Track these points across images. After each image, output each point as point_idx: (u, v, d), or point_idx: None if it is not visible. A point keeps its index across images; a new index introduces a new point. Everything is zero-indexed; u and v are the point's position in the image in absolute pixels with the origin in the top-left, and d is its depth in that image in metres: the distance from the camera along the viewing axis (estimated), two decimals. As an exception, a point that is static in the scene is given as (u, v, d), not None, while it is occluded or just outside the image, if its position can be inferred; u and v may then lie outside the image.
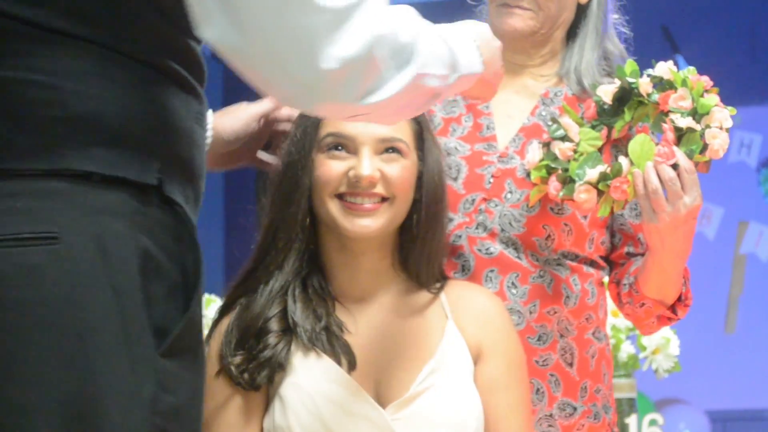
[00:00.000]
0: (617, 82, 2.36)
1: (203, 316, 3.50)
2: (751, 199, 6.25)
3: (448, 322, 2.24)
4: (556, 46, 2.60)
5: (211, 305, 3.48)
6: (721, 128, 2.23)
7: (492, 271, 2.44)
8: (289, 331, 2.18)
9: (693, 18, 6.18)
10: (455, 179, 2.47)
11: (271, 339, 2.17)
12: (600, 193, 2.32)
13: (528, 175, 2.46)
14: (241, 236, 7.26)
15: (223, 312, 2.25)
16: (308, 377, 2.16)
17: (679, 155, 2.23)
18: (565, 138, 2.37)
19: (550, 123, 2.39)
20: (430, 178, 2.26)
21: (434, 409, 2.16)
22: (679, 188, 2.24)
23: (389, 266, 2.28)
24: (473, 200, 2.47)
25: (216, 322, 2.26)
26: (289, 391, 2.15)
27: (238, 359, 2.16)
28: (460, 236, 2.45)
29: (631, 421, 4.61)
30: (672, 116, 2.30)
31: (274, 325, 2.18)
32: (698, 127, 2.24)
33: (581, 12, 2.58)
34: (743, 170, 6.29)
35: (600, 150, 2.37)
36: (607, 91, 2.36)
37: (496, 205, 2.45)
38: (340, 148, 2.20)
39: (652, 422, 4.51)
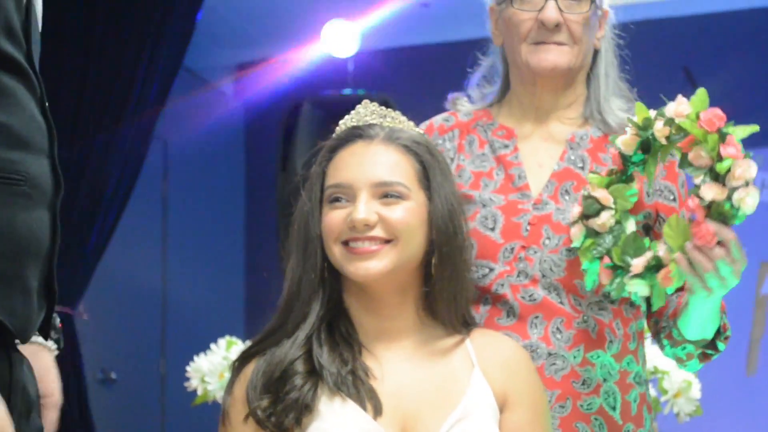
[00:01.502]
0: (631, 129, 2.33)
1: (225, 357, 3.51)
2: (772, 239, 6.24)
3: (475, 369, 2.25)
4: (579, 88, 2.63)
5: (232, 348, 3.51)
6: (747, 183, 2.18)
7: (537, 317, 2.47)
8: (314, 373, 2.19)
9: (714, 58, 6.19)
10: (492, 229, 2.50)
11: (297, 380, 2.18)
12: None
13: (568, 221, 2.48)
14: (260, 279, 7.23)
15: (246, 359, 2.26)
16: (335, 423, 2.15)
17: (716, 229, 2.19)
18: (601, 209, 2.36)
19: (586, 198, 2.38)
20: (439, 216, 2.26)
21: None
22: (724, 259, 2.22)
23: (414, 311, 2.29)
24: (512, 249, 2.50)
25: (239, 369, 2.26)
26: None
27: (265, 403, 2.17)
28: (502, 284, 2.48)
29: (652, 461, 4.62)
30: (695, 182, 2.25)
31: (300, 366, 2.19)
32: (723, 194, 2.18)
33: (596, 56, 2.62)
34: (765, 210, 6.28)
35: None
36: (626, 142, 2.33)
37: (536, 252, 2.48)
38: (341, 198, 2.24)
39: (675, 466, 4.52)
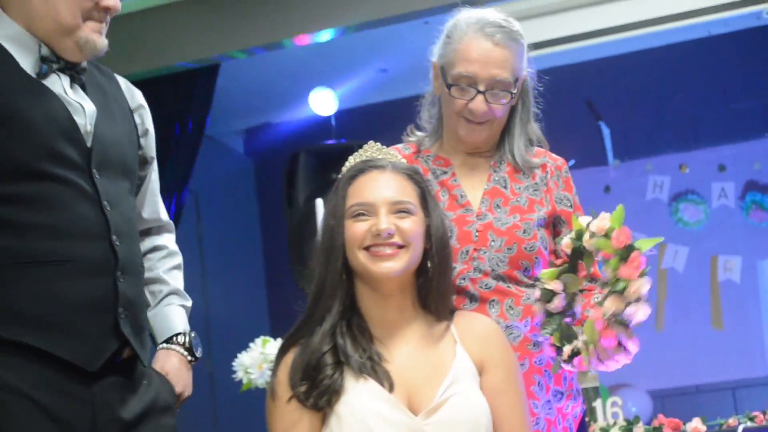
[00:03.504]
0: (569, 236, 2.27)
1: (262, 352, 3.53)
2: (666, 226, 6.27)
3: (457, 345, 2.25)
4: (496, 137, 2.59)
5: (267, 344, 3.53)
6: (639, 299, 2.12)
7: (493, 300, 2.46)
8: (340, 363, 2.18)
9: (611, 89, 6.22)
10: (450, 237, 2.43)
11: (328, 370, 2.17)
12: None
13: (505, 227, 2.48)
14: (280, 290, 7.22)
15: (286, 348, 2.25)
16: (357, 397, 2.15)
17: (616, 332, 2.14)
18: (553, 295, 2.30)
19: (542, 289, 2.31)
20: (436, 229, 2.27)
21: (455, 413, 2.15)
22: (620, 352, 2.18)
23: (411, 305, 2.28)
24: (467, 251, 2.48)
25: (281, 356, 2.25)
26: (343, 408, 2.14)
27: (303, 388, 2.16)
28: (464, 279, 2.46)
29: (597, 404, 4.64)
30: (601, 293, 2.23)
31: (329, 358, 2.18)
32: (621, 307, 2.12)
33: (512, 109, 2.57)
34: (659, 205, 6.33)
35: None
36: (567, 245, 2.27)
37: (485, 252, 2.47)
38: (363, 213, 2.22)
39: (613, 404, 4.54)
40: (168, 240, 2.46)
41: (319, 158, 5.68)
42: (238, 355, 3.91)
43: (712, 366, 6.05)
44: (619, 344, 2.17)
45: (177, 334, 2.35)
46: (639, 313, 2.13)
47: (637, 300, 2.13)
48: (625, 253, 2.16)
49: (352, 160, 2.32)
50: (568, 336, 2.29)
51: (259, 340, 3.67)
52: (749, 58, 6.16)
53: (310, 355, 2.19)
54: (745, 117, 6.25)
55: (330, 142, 6.16)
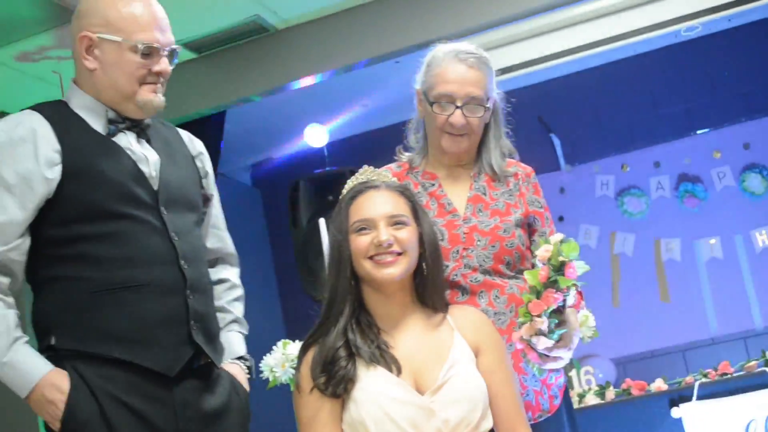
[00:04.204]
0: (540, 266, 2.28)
1: (284, 353, 3.54)
2: (614, 217, 6.28)
3: (455, 332, 2.26)
4: (474, 151, 2.61)
5: (287, 346, 3.53)
6: (538, 334, 2.23)
7: (482, 292, 2.46)
8: (352, 354, 2.19)
9: (559, 106, 6.26)
10: (442, 240, 2.47)
11: (342, 362, 2.18)
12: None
13: (490, 228, 2.49)
14: (292, 299, 7.16)
15: (306, 347, 2.27)
16: (371, 382, 2.16)
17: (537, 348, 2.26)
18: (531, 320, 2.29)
19: (524, 315, 2.30)
20: (428, 236, 2.29)
21: (456, 391, 2.16)
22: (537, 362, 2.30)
23: (410, 301, 2.29)
24: (457, 251, 2.49)
25: (302, 354, 2.27)
26: (359, 393, 2.15)
27: (323, 379, 2.18)
28: (456, 275, 2.47)
29: (573, 374, 4.67)
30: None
31: (342, 352, 2.19)
32: (532, 334, 2.24)
33: (486, 127, 2.60)
34: (607, 200, 6.35)
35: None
36: (543, 256, 2.28)
37: (473, 251, 2.48)
38: (365, 228, 2.25)
39: (586, 372, 4.57)
40: (232, 274, 2.50)
41: (316, 184, 5.70)
42: (264, 357, 3.90)
43: (663, 333, 6.03)
44: (542, 355, 2.26)
45: (239, 357, 2.40)
46: (540, 343, 2.23)
47: (539, 333, 2.23)
48: (542, 288, 2.23)
49: (350, 183, 2.33)
50: (551, 330, 2.28)
51: (280, 343, 3.66)
52: (672, 70, 6.20)
53: (326, 352, 2.20)
54: (673, 119, 6.28)
55: (324, 169, 6.17)
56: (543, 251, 2.25)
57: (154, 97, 2.26)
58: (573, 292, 2.28)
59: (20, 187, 2.07)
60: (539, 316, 2.23)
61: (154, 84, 2.25)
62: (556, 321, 2.25)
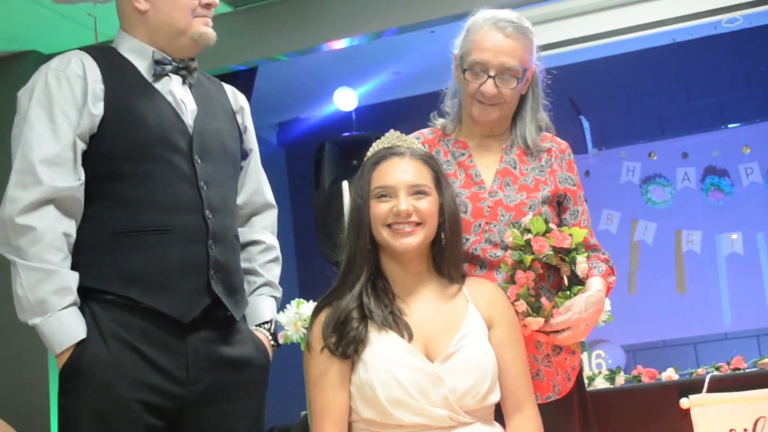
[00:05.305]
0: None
1: (297, 312, 3.55)
2: (637, 205, 6.27)
3: (469, 304, 2.25)
4: (507, 122, 2.56)
5: (301, 306, 3.54)
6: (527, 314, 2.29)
7: (499, 267, 2.40)
8: (365, 317, 2.18)
9: (591, 88, 6.22)
10: (465, 212, 2.42)
11: (354, 323, 2.17)
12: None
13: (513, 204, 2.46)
14: (308, 261, 7.16)
15: (320, 308, 2.26)
16: (381, 346, 2.16)
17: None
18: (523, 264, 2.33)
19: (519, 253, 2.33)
20: (448, 207, 2.26)
21: (466, 361, 2.16)
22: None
23: (426, 270, 2.27)
24: (480, 224, 2.44)
25: (315, 315, 2.25)
26: (369, 356, 2.15)
27: (333, 339, 2.17)
28: (476, 249, 2.42)
29: (584, 357, 4.67)
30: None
31: (355, 314, 2.18)
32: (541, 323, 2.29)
33: (523, 98, 2.54)
34: (631, 187, 6.33)
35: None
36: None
37: (495, 226, 2.42)
38: (385, 195, 2.23)
39: (597, 356, 4.56)
40: (268, 235, 2.50)
41: (342, 147, 5.68)
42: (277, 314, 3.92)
43: (677, 324, 6.05)
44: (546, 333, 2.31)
45: (265, 322, 2.40)
46: (533, 324, 2.28)
47: (526, 315, 2.28)
48: (512, 271, 2.32)
49: (375, 147, 2.31)
50: (536, 308, 2.31)
51: (294, 302, 3.68)
52: (708, 62, 6.15)
53: (339, 313, 2.20)
54: (704, 112, 6.25)
55: (351, 133, 6.16)
56: (506, 237, 2.34)
57: (207, 29, 2.29)
58: (578, 260, 2.33)
59: (75, 119, 2.14)
60: (517, 299, 2.27)
61: (204, 17, 2.28)
62: (537, 304, 2.29)
